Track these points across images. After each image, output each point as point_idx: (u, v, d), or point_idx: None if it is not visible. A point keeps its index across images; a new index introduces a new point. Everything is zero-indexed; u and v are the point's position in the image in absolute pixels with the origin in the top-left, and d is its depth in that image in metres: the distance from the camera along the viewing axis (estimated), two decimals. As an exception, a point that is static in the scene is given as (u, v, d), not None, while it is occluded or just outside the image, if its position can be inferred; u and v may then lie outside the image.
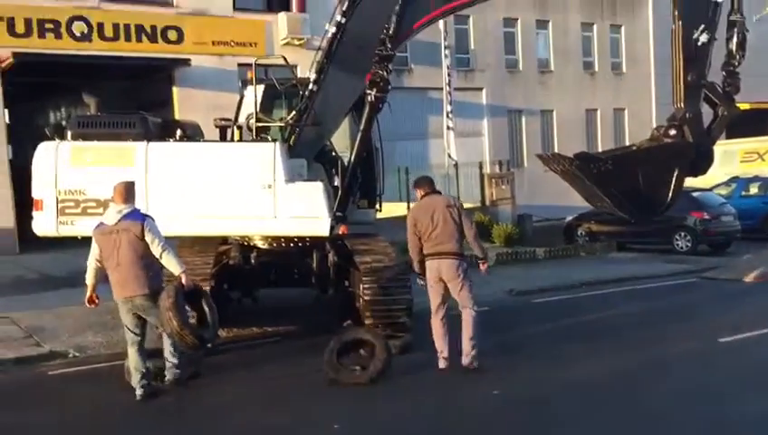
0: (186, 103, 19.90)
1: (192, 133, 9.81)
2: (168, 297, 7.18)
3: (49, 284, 13.97)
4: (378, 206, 10.74)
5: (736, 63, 9.10)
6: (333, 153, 10.06)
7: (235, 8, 21.49)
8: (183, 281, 7.44)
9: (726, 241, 19.16)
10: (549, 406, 7.15)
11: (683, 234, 18.64)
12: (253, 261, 9.63)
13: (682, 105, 8.99)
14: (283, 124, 9.41)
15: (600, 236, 19.59)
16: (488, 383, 7.72)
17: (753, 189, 21.91)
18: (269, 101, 10.21)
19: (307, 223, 8.73)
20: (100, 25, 19.23)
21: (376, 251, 9.31)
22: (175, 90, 20.50)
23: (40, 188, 8.83)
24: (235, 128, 10.04)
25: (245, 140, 9.55)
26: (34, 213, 8.91)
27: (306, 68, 9.77)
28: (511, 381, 7.84)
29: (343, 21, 8.90)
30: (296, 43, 21.54)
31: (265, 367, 8.76)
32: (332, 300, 10.46)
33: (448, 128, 23.25)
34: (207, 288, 8.47)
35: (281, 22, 21.84)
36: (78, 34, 18.96)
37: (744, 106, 9.86)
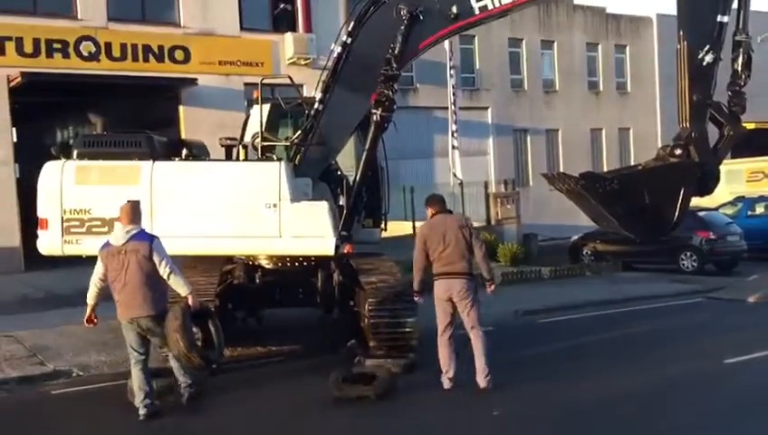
0: (192, 122, 19.98)
1: (198, 152, 9.86)
2: (176, 319, 7.15)
3: (54, 302, 13.97)
4: (383, 225, 10.73)
5: (742, 83, 9.09)
6: (339, 172, 10.08)
7: (241, 28, 21.62)
8: (190, 302, 7.42)
9: (733, 261, 19.08)
10: (551, 426, 7.09)
11: (689, 254, 18.58)
12: (257, 280, 9.61)
13: (688, 125, 8.97)
14: (288, 143, 9.43)
15: (605, 256, 19.52)
16: (491, 404, 7.66)
17: (760, 209, 21.84)
18: (275, 120, 10.24)
19: (312, 242, 8.72)
20: (108, 45, 19.38)
21: (381, 271, 9.29)
22: (181, 109, 20.60)
23: (45, 207, 8.86)
24: (240, 147, 10.07)
25: (251, 160, 9.58)
26: (39, 232, 8.93)
27: (312, 87, 9.81)
28: (514, 402, 7.78)
29: (349, 41, 8.95)
30: (302, 62, 21.65)
31: (269, 386, 8.72)
32: (337, 320, 10.42)
33: (453, 147, 23.27)
34: (212, 307, 8.46)
35: (287, 42, 21.97)
36: (86, 54, 19.09)
37: (749, 125, 9.84)
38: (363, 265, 9.41)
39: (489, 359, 7.97)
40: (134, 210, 7.47)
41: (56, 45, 18.77)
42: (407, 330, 8.79)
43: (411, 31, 8.77)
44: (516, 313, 12.99)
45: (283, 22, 22.56)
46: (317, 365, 9.08)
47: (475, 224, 20.55)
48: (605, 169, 26.34)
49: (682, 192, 9.03)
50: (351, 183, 9.42)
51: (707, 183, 9.23)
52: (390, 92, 8.85)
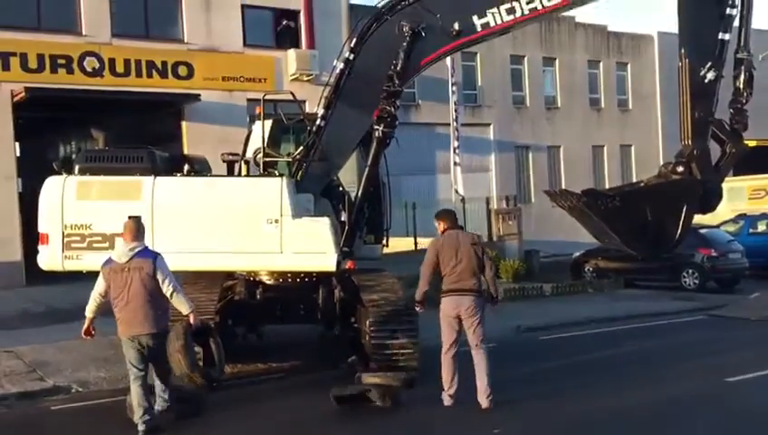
0: (195, 138, 20.05)
1: (200, 168, 9.86)
2: (178, 340, 7.13)
3: (55, 317, 13.93)
4: (385, 241, 10.71)
5: (744, 101, 9.10)
6: (340, 188, 10.07)
7: (245, 44, 21.76)
8: (191, 320, 7.39)
9: (734, 278, 19.03)
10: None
11: (691, 271, 18.54)
12: (258, 296, 9.58)
13: (690, 142, 8.98)
14: (290, 159, 9.44)
15: (607, 273, 19.47)
16: (492, 422, 7.61)
17: (762, 227, 21.80)
18: (277, 135, 10.25)
19: (313, 258, 8.71)
20: (112, 61, 19.50)
21: (383, 288, 9.26)
22: (184, 124, 20.68)
23: (46, 222, 8.85)
24: (242, 162, 10.08)
25: (253, 175, 9.58)
26: (40, 247, 8.92)
27: (314, 103, 9.84)
28: (515, 420, 7.73)
29: (352, 57, 8.99)
30: (305, 78, 21.75)
31: (270, 403, 8.67)
32: (338, 336, 10.38)
33: (455, 163, 23.31)
34: (212, 324, 8.44)
35: (290, 58, 22.09)
36: (89, 70, 19.20)
37: (750, 143, 9.83)
38: (365, 282, 9.38)
39: (491, 378, 7.93)
40: (138, 227, 7.46)
41: (60, 61, 18.88)
42: (408, 351, 8.73)
43: (413, 47, 8.81)
44: (518, 329, 12.94)
45: (286, 38, 22.70)
46: (318, 381, 9.04)
47: (477, 240, 20.59)
48: (607, 186, 26.39)
49: (684, 209, 9.03)
50: (353, 199, 9.43)
51: (710, 200, 9.23)
52: (392, 109, 8.88)
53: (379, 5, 9.04)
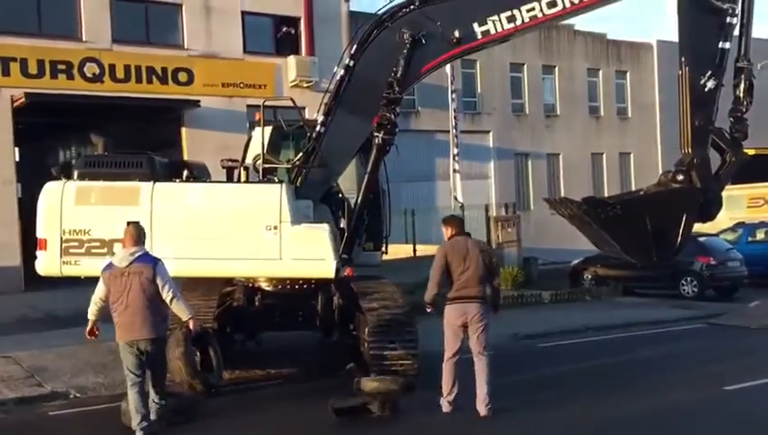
0: (194, 144, 20.06)
1: (199, 174, 9.85)
2: (179, 346, 7.12)
3: (53, 323, 13.92)
4: (384, 248, 10.70)
5: (744, 110, 9.10)
6: (340, 195, 10.07)
7: (245, 51, 21.79)
8: (191, 326, 7.37)
9: (733, 287, 19.02)
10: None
11: (689, 279, 18.54)
12: (257, 303, 9.57)
13: (690, 150, 8.98)
14: (290, 166, 9.44)
15: (606, 281, 19.45)
16: (489, 429, 7.61)
17: (760, 235, 21.80)
18: (276, 142, 10.25)
19: (312, 265, 8.69)
20: (112, 67, 19.51)
21: (382, 295, 9.23)
22: (184, 130, 20.68)
23: (44, 227, 8.83)
24: (242, 169, 10.07)
25: (252, 181, 9.58)
26: (38, 253, 8.90)
27: (314, 110, 9.84)
28: (512, 427, 7.72)
29: (352, 64, 8.99)
30: (305, 85, 21.78)
31: (268, 410, 8.64)
32: (337, 343, 10.36)
33: (455, 170, 23.30)
34: (210, 330, 8.42)
35: (290, 64, 22.12)
36: (90, 75, 19.22)
37: (749, 151, 9.83)
38: (364, 289, 9.36)
39: (492, 387, 7.91)
40: (139, 233, 7.46)
41: (60, 66, 18.90)
42: (407, 362, 8.69)
43: (413, 54, 8.81)
44: (516, 336, 12.92)
45: (286, 45, 22.73)
46: (316, 388, 9.02)
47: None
48: (606, 194, 26.40)
49: (684, 218, 9.02)
50: (353, 206, 9.42)
51: (709, 209, 9.22)
52: (392, 116, 8.88)
53: (380, 12, 9.05)
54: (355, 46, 9.12)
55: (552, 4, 8.84)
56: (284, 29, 22.87)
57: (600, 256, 17.23)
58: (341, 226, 9.34)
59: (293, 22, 22.75)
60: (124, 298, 7.21)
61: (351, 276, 9.16)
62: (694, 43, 8.97)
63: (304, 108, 11.55)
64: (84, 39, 19.39)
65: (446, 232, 8.26)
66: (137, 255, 7.29)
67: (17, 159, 19.00)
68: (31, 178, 18.43)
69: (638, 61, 33.13)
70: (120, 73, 19.59)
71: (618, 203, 9.38)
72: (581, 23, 31.63)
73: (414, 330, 8.81)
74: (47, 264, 8.87)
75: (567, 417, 8.04)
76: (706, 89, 8.83)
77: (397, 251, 15.40)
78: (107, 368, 10.14)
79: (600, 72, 32.09)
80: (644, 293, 18.90)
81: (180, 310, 7.37)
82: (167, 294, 7.24)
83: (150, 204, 8.72)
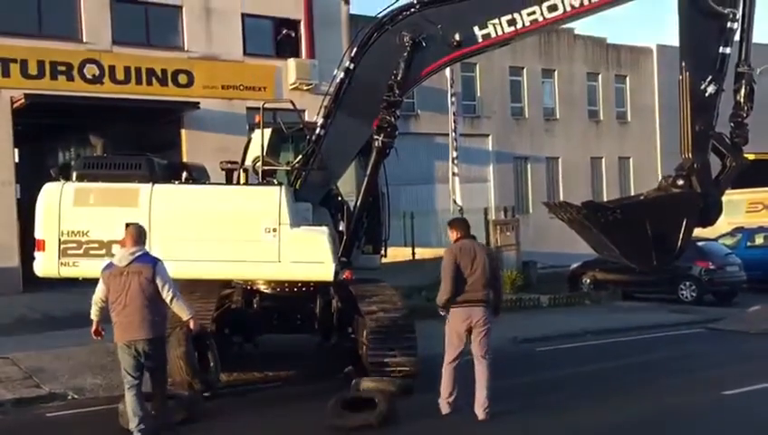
0: (194, 146, 20.05)
1: (198, 176, 9.85)
2: (180, 346, 7.09)
3: (51, 324, 13.90)
4: (383, 251, 10.69)
5: (744, 115, 9.10)
6: (339, 198, 10.05)
7: (245, 53, 21.79)
8: (191, 326, 7.36)
9: (732, 291, 19.01)
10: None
11: (688, 283, 18.53)
12: (255, 305, 9.56)
13: (690, 155, 8.98)
14: (289, 168, 9.43)
15: (605, 285, 19.45)
16: (486, 432, 7.59)
17: (759, 240, 21.81)
18: (276, 144, 10.24)
19: (311, 268, 8.68)
20: (112, 68, 19.51)
21: (381, 299, 9.21)
22: (183, 132, 20.68)
23: (43, 228, 8.82)
24: (241, 171, 10.07)
25: (251, 184, 9.56)
26: (36, 254, 8.89)
27: (314, 113, 9.84)
28: (511, 431, 7.71)
29: (352, 67, 8.99)
30: (304, 88, 21.78)
31: (266, 412, 8.63)
32: (335, 346, 10.34)
33: (454, 173, 23.27)
34: (209, 331, 8.41)
35: (290, 67, 22.12)
36: (89, 77, 19.22)
37: (750, 156, 9.83)
38: (362, 292, 9.35)
39: (491, 391, 7.89)
40: (139, 233, 7.43)
41: (60, 68, 18.90)
42: (406, 369, 8.67)
43: (413, 58, 8.81)
44: (514, 340, 12.90)
45: (286, 47, 22.73)
46: (314, 391, 9.00)
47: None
48: (605, 198, 26.41)
49: (684, 223, 9.02)
50: (352, 209, 9.41)
51: (709, 214, 9.22)
52: (392, 118, 8.87)
53: (380, 15, 9.05)
54: (355, 49, 9.12)
55: (552, 8, 8.85)
56: (284, 31, 22.88)
57: (598, 260, 17.23)
58: (341, 229, 9.33)
59: (294, 24, 22.76)
60: (123, 297, 7.19)
61: (350, 279, 9.14)
62: (695, 47, 8.97)
63: (304, 110, 11.55)
64: (84, 40, 19.39)
65: (452, 235, 8.19)
66: (136, 254, 7.27)
67: (16, 160, 18.99)
68: (30, 180, 18.43)
69: (637, 65, 33.16)
70: (119, 75, 19.59)
71: (618, 207, 9.38)
72: (581, 26, 31.74)
73: (413, 334, 8.79)
74: (45, 265, 8.86)
75: (566, 421, 8.03)
76: (707, 94, 8.83)
77: (396, 254, 15.40)
78: (105, 369, 10.12)
79: (600, 76, 32.12)
80: (643, 297, 18.89)
81: (181, 309, 7.35)
82: (167, 294, 7.22)
83: (149, 206, 8.71)
